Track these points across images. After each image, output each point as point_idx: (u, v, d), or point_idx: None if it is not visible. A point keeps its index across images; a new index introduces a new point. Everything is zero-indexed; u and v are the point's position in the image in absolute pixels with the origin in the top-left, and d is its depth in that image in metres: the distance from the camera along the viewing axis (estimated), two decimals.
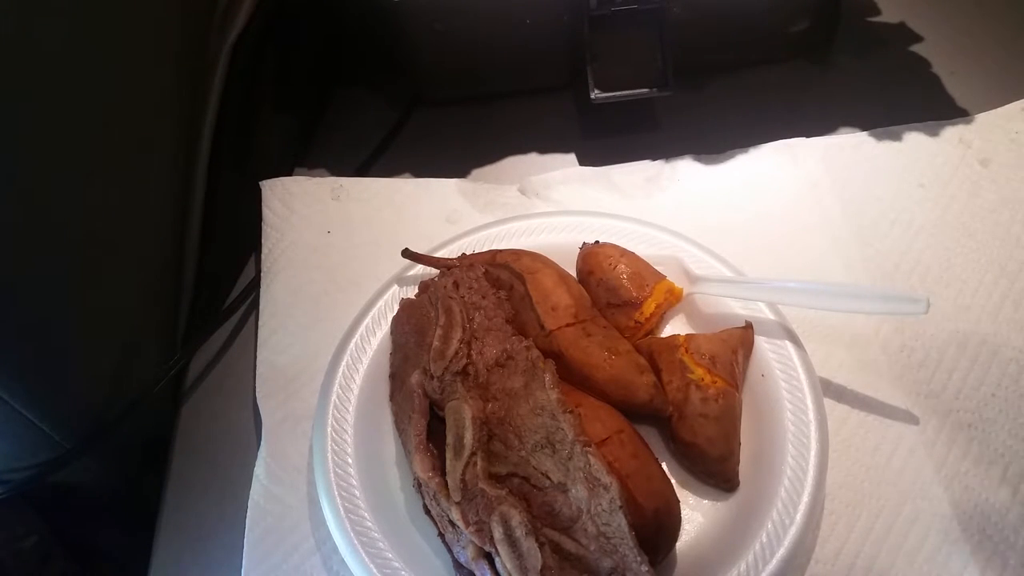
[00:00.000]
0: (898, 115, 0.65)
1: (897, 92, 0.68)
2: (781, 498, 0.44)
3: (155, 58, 0.53)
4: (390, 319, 0.53)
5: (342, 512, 0.45)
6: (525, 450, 0.43)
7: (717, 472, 0.46)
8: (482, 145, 0.67)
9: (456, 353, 0.47)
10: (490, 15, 0.62)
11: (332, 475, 0.47)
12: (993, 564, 0.44)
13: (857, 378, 0.51)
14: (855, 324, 0.54)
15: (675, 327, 0.53)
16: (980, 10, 0.74)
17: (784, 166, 0.62)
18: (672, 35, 0.61)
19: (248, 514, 0.48)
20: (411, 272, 0.55)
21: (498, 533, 0.40)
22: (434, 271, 0.55)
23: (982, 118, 0.64)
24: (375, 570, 0.43)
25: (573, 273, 0.54)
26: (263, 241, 0.60)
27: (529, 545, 0.39)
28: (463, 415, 0.44)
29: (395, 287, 0.55)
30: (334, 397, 0.50)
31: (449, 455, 0.43)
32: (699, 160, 0.63)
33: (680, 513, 0.43)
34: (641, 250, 0.54)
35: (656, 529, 0.41)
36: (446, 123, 0.70)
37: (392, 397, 0.50)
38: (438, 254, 0.56)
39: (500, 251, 0.54)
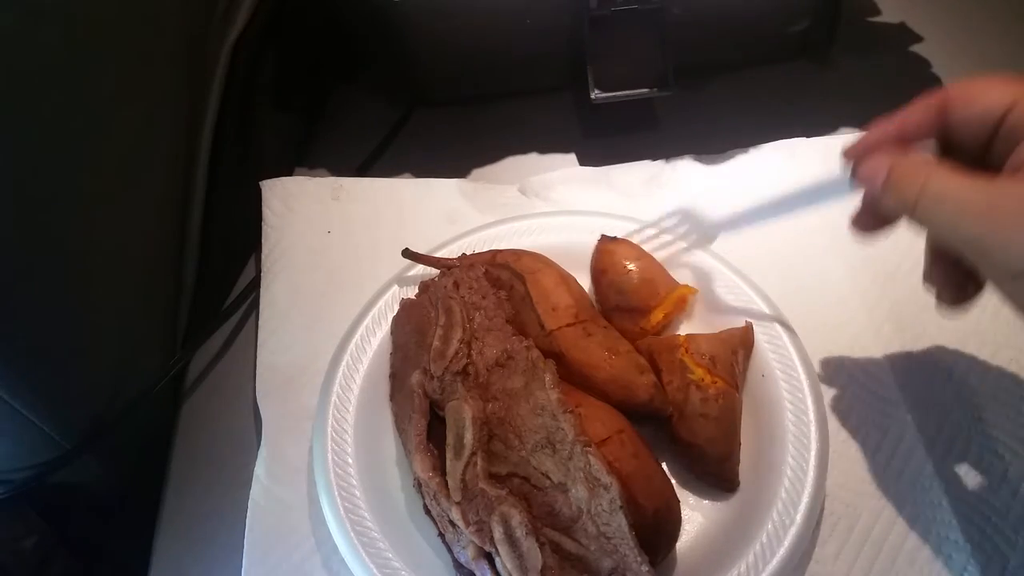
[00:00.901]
0: None
1: (897, 92, 0.68)
2: (781, 498, 0.44)
3: (155, 58, 0.53)
4: (390, 319, 0.53)
5: (342, 512, 0.45)
6: (525, 450, 0.43)
7: (717, 472, 0.46)
8: (482, 145, 0.67)
9: (456, 353, 0.47)
10: (490, 15, 0.62)
11: (332, 475, 0.47)
12: (993, 564, 0.44)
13: (857, 378, 0.51)
14: (855, 324, 0.54)
15: (675, 327, 0.53)
16: (980, 10, 0.74)
17: (784, 166, 0.62)
18: (672, 35, 0.61)
19: (248, 514, 0.48)
20: (411, 272, 0.55)
21: (498, 533, 0.40)
22: (434, 271, 0.55)
23: None
24: (375, 570, 0.43)
25: (581, 271, 0.54)
26: (263, 241, 0.60)
27: (529, 545, 0.39)
28: (463, 415, 0.44)
29: (395, 287, 0.55)
30: (334, 397, 0.50)
31: (449, 455, 0.43)
32: (699, 160, 0.63)
33: (680, 513, 0.43)
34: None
35: (656, 529, 0.41)
36: (446, 123, 0.70)
37: (392, 397, 0.50)
38: (438, 254, 0.56)
39: (500, 251, 0.54)
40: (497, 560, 0.40)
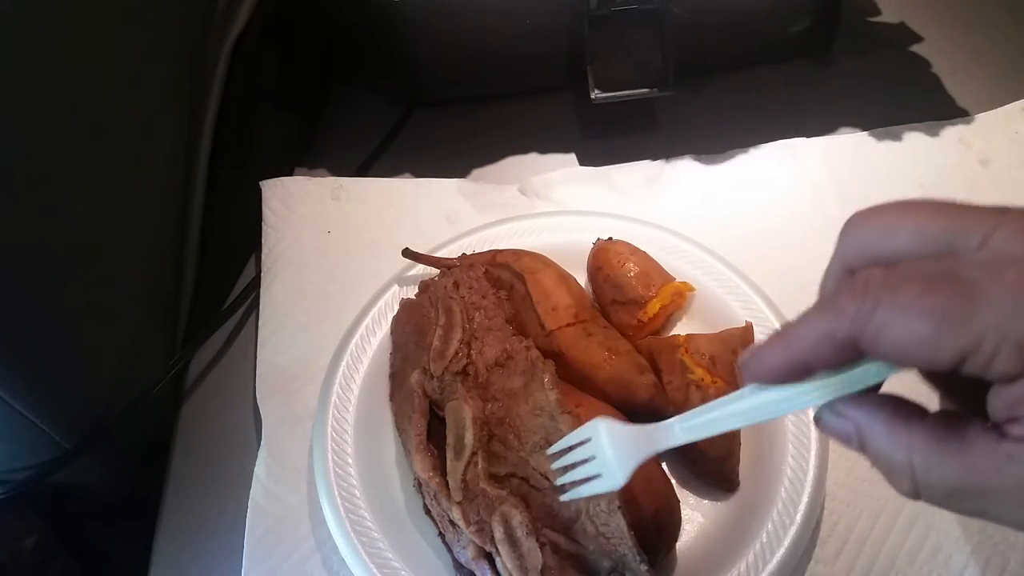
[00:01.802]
0: (898, 115, 0.65)
1: (897, 92, 0.68)
2: (781, 498, 0.44)
3: (155, 58, 0.53)
4: (390, 319, 0.53)
5: (342, 512, 0.45)
6: (524, 451, 0.43)
7: (717, 472, 0.46)
8: (482, 145, 0.67)
9: (456, 353, 0.47)
10: (490, 15, 0.62)
11: (332, 475, 0.47)
12: (993, 564, 0.44)
13: None
14: None
15: (675, 327, 0.53)
16: (980, 10, 0.74)
17: (784, 166, 0.62)
18: (672, 35, 0.61)
19: (248, 514, 0.48)
20: (411, 272, 0.55)
21: (499, 533, 0.40)
22: (434, 271, 0.55)
23: (982, 118, 0.64)
24: (375, 570, 0.43)
25: (580, 271, 0.54)
26: (263, 241, 0.60)
27: (530, 545, 0.39)
28: (463, 415, 0.44)
29: (395, 287, 0.55)
30: (334, 397, 0.50)
31: (449, 455, 0.43)
32: (699, 160, 0.63)
33: (680, 513, 0.43)
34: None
35: (656, 529, 0.41)
36: (446, 123, 0.70)
37: (392, 397, 0.50)
38: (438, 254, 0.56)
39: (500, 251, 0.54)
40: (497, 560, 0.40)
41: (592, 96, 0.62)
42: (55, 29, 0.42)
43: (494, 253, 0.54)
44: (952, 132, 0.63)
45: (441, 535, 0.43)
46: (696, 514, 0.46)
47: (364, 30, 0.71)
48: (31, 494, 0.48)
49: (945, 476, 0.24)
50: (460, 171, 0.65)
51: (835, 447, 0.47)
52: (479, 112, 0.70)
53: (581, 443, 0.34)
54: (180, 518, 0.50)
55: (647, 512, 0.41)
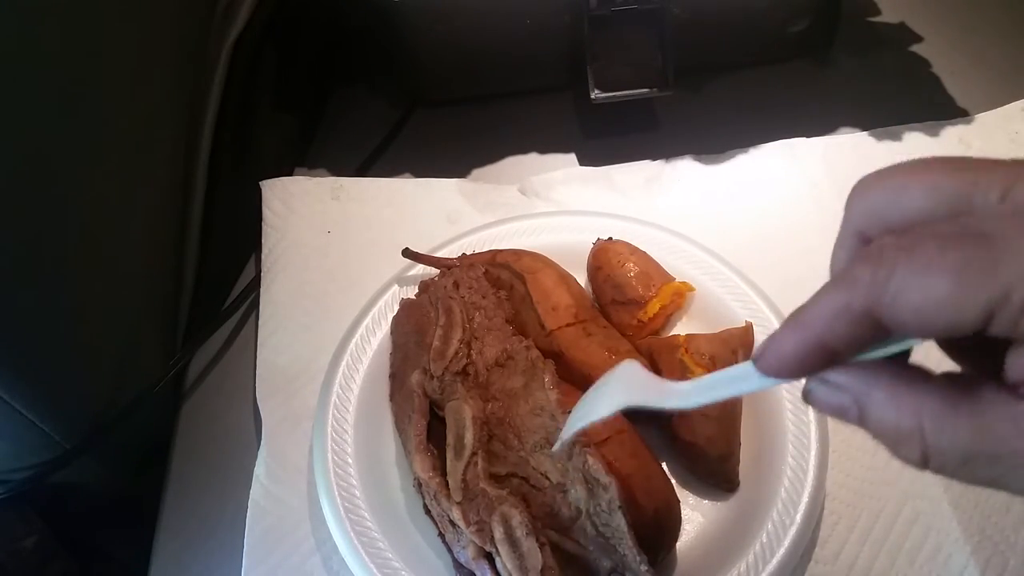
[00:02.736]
0: (898, 115, 0.65)
1: (897, 92, 0.68)
2: (781, 498, 0.44)
3: (155, 58, 0.53)
4: (390, 319, 0.53)
5: (342, 512, 0.45)
6: (524, 450, 0.43)
7: (717, 472, 0.46)
8: (482, 145, 0.67)
9: (456, 353, 0.47)
10: (490, 15, 0.62)
11: (332, 475, 0.47)
12: (993, 564, 0.44)
13: None
14: None
15: (675, 327, 0.53)
16: (980, 10, 0.74)
17: (784, 166, 0.62)
18: (672, 35, 0.61)
19: (248, 514, 0.48)
20: (411, 272, 0.55)
21: (499, 533, 0.40)
22: (434, 271, 0.55)
23: (982, 118, 0.64)
24: (375, 570, 0.43)
25: (581, 271, 0.54)
26: (263, 241, 0.60)
27: (530, 545, 0.39)
28: (463, 415, 0.44)
29: (395, 287, 0.55)
30: (334, 397, 0.50)
31: (449, 455, 0.43)
32: (699, 160, 0.63)
33: (680, 513, 0.43)
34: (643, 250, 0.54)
35: (656, 529, 0.41)
36: (446, 123, 0.70)
37: (392, 397, 0.50)
38: (438, 254, 0.56)
39: (500, 251, 0.54)
40: (497, 560, 0.40)
41: (592, 96, 0.62)
42: (55, 29, 0.42)
43: (494, 253, 0.54)
44: (952, 132, 0.63)
45: (441, 535, 0.43)
46: (696, 514, 0.46)
47: (364, 30, 0.71)
48: (31, 494, 0.48)
49: (959, 441, 0.22)
50: (460, 171, 0.65)
51: (835, 447, 0.47)
52: (479, 112, 0.70)
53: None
54: (180, 518, 0.50)
55: (647, 512, 0.41)
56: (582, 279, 0.54)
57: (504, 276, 0.52)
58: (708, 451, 0.46)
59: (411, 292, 0.54)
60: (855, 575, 0.45)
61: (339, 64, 0.74)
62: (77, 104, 0.45)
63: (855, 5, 0.74)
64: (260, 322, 0.56)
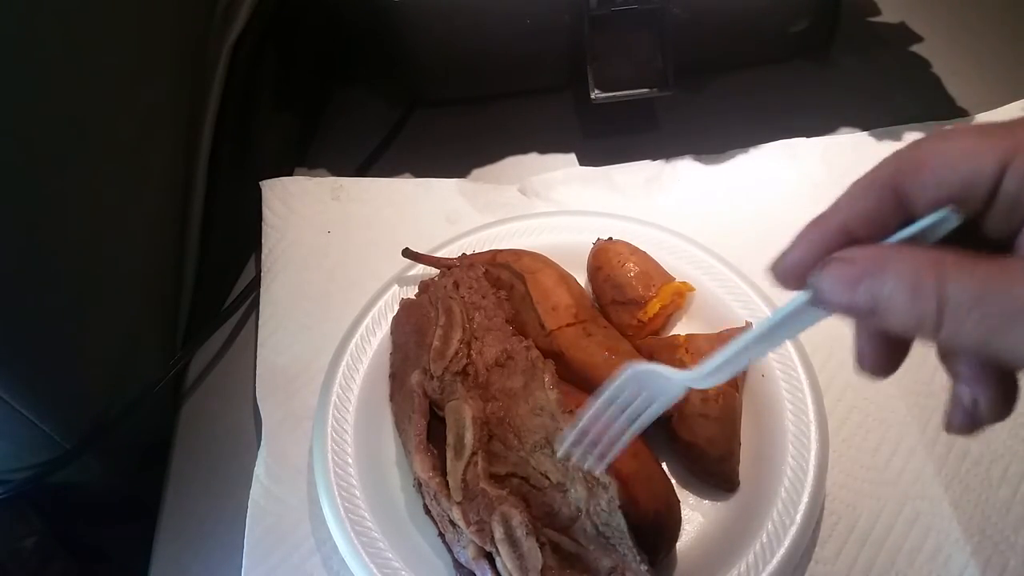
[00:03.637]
0: (898, 115, 0.65)
1: (897, 92, 0.68)
2: (781, 498, 0.44)
3: (155, 58, 0.53)
4: (390, 319, 0.53)
5: (342, 512, 0.45)
6: (524, 450, 0.43)
7: (717, 472, 0.46)
8: (482, 145, 0.67)
9: (456, 353, 0.47)
10: (490, 15, 0.62)
11: (332, 475, 0.47)
12: (993, 564, 0.44)
13: (857, 378, 0.51)
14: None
15: (675, 327, 0.53)
16: (980, 10, 0.74)
17: (784, 166, 0.62)
18: (672, 35, 0.61)
19: (248, 514, 0.48)
20: (411, 272, 0.55)
21: (499, 533, 0.40)
22: (434, 271, 0.55)
23: (982, 118, 0.64)
24: (375, 570, 0.43)
25: (581, 271, 0.54)
26: (263, 241, 0.60)
27: (530, 545, 0.39)
28: (463, 415, 0.44)
29: (395, 287, 0.55)
30: (334, 397, 0.50)
31: (449, 455, 0.43)
32: (699, 160, 0.63)
33: (680, 513, 0.43)
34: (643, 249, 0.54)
35: (656, 529, 0.41)
36: (446, 123, 0.70)
37: (392, 397, 0.50)
38: (438, 254, 0.56)
39: (500, 251, 0.54)
40: (497, 560, 0.40)
41: (592, 96, 0.62)
42: (55, 29, 0.42)
43: (494, 253, 0.54)
44: None
45: (441, 535, 0.43)
46: (696, 514, 0.46)
47: (364, 30, 0.71)
48: (31, 494, 0.48)
49: (975, 284, 0.23)
50: (460, 171, 0.65)
51: (835, 447, 0.47)
52: (479, 112, 0.70)
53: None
54: (180, 518, 0.50)
55: (647, 512, 0.41)
56: (582, 279, 0.54)
57: (504, 276, 0.52)
58: (708, 451, 0.46)
59: (411, 292, 0.54)
60: (855, 575, 0.45)
61: (339, 64, 0.74)
62: (77, 104, 0.45)
63: (855, 5, 0.74)
64: (260, 322, 0.56)
